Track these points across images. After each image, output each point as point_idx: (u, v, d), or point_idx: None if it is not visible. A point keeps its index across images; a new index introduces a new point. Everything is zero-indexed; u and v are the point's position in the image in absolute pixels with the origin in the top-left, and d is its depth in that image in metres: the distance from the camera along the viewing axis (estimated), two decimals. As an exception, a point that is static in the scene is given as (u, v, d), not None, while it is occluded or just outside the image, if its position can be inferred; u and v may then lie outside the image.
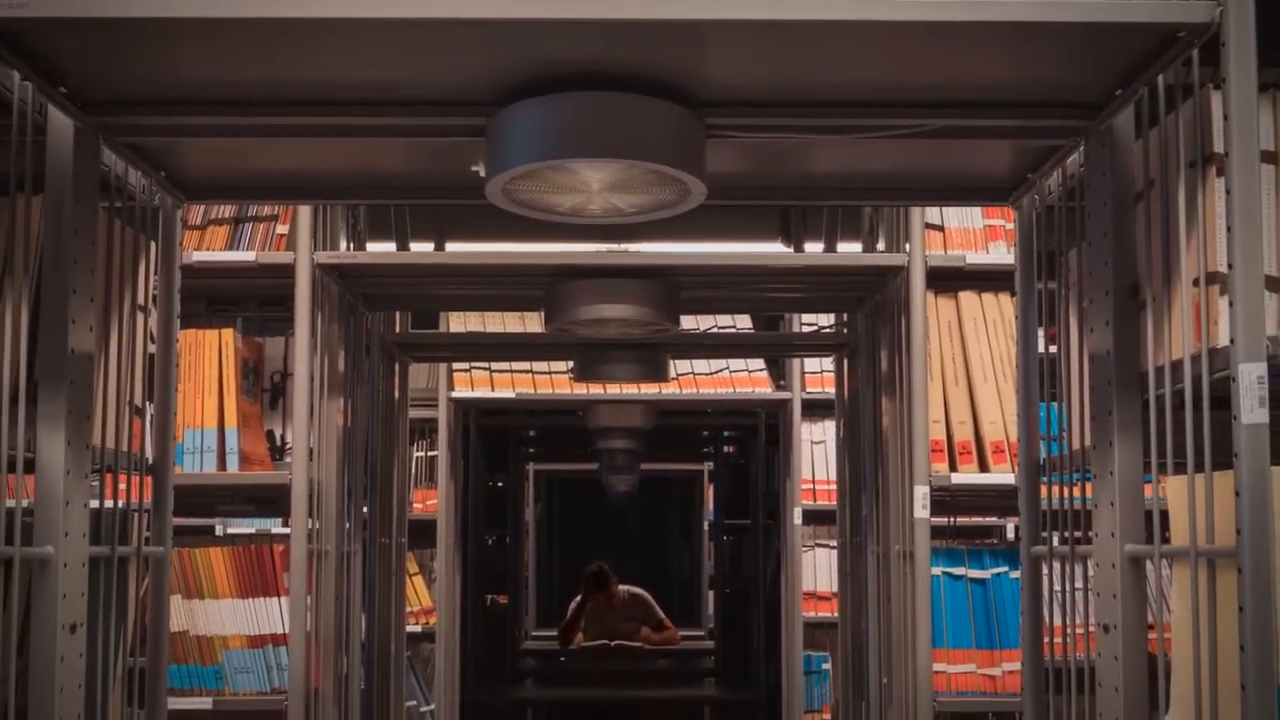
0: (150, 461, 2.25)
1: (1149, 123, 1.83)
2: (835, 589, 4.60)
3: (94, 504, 1.97)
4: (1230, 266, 1.58)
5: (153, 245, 2.27)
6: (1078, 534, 2.08)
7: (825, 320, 4.50)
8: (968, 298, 3.28)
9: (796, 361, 4.89)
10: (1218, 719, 1.63)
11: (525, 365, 4.92)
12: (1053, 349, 2.24)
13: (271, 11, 1.58)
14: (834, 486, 4.46)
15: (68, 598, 1.83)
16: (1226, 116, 1.59)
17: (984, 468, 3.21)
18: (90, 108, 1.89)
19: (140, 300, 2.22)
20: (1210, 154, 1.72)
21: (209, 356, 3.26)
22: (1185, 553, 1.70)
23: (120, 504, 2.10)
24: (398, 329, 3.91)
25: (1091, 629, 1.97)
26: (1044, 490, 2.24)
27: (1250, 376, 1.55)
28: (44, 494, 1.83)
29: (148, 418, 2.27)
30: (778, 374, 5.03)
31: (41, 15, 1.59)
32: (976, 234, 3.42)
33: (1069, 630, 2.12)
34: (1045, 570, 2.23)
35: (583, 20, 1.61)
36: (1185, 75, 1.70)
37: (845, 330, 3.89)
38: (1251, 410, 1.54)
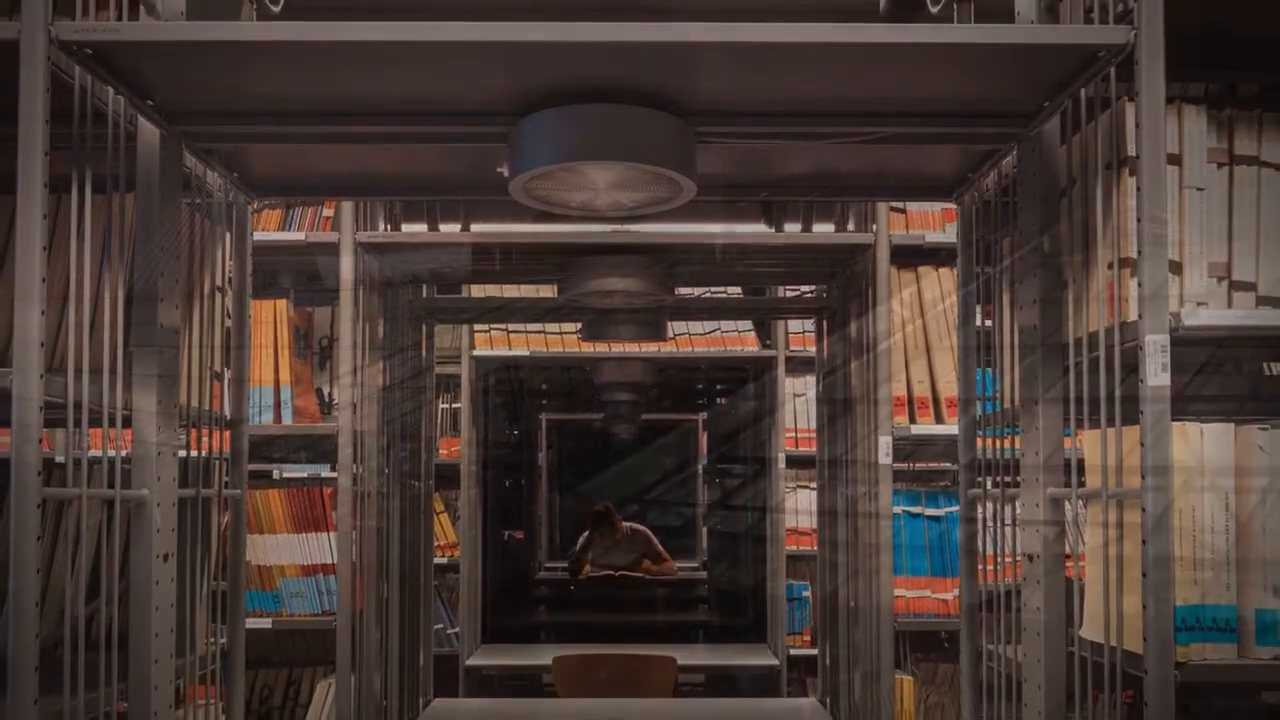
0: (228, 418, 2.29)
1: (1072, 130, 1.87)
2: (814, 525, 4.57)
3: (181, 453, 2.01)
4: (1139, 253, 1.63)
5: (227, 235, 2.28)
6: (1008, 479, 2.11)
7: (807, 286, 4.51)
8: (926, 272, 3.30)
9: (781, 323, 4.83)
10: (1123, 634, 1.71)
11: (538, 327, 4.86)
12: (989, 323, 2.26)
13: (327, 36, 1.63)
14: (814, 435, 4.38)
15: (160, 532, 1.89)
16: (1138, 125, 1.63)
17: (939, 420, 3.24)
18: (173, 118, 1.92)
19: (218, 281, 2.24)
20: (1124, 157, 1.76)
21: (265, 324, 3.29)
22: (1098, 494, 1.76)
23: (203, 453, 2.15)
24: (424, 294, 3.88)
25: (1018, 558, 2.03)
26: (980, 442, 2.26)
27: (1155, 346, 1.61)
28: (140, 445, 1.89)
29: (225, 381, 2.29)
30: (764, 334, 4.95)
31: (132, 39, 1.66)
32: (934, 216, 3.41)
33: (1000, 559, 2.15)
34: (980, 509, 2.26)
35: (591, 43, 1.66)
36: (1104, 89, 1.74)
37: (824, 295, 3.84)
38: (1156, 374, 1.60)
